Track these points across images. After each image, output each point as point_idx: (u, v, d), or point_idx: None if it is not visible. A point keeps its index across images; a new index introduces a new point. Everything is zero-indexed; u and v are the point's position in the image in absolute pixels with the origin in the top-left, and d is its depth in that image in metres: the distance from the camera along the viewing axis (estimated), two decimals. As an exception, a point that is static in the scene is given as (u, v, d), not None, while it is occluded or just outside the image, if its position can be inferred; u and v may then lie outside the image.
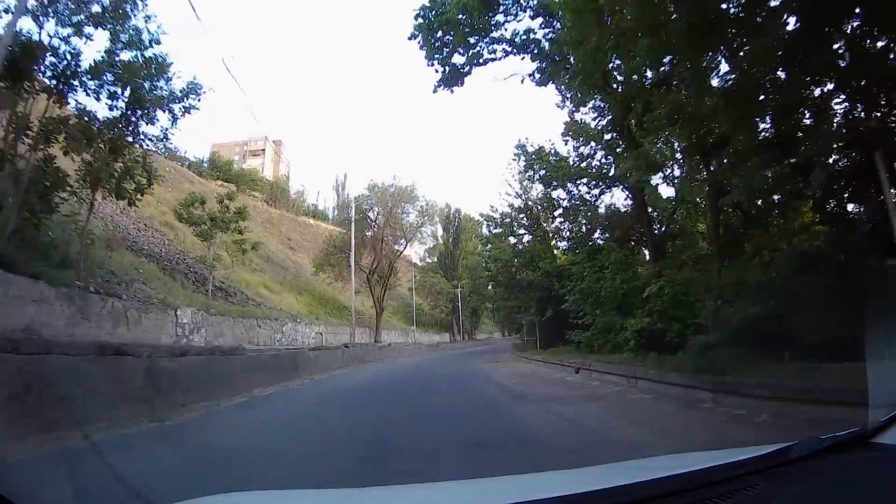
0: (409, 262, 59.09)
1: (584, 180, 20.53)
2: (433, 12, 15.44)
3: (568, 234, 24.63)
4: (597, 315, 16.36)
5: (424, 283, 59.16)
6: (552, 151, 20.49)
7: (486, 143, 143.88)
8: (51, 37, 13.02)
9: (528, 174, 23.74)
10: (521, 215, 26.21)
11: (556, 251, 26.29)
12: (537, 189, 26.26)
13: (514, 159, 22.95)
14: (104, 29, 13.94)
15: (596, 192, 20.93)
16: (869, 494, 1.60)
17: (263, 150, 78.37)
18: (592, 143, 19.85)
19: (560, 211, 24.36)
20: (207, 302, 23.05)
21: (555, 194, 23.86)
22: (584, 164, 19.62)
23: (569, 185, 21.51)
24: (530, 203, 25.53)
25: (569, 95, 19.05)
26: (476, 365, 21.83)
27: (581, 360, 14.63)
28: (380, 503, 2.21)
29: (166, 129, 15.92)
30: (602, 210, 22.05)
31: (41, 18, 12.75)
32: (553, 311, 22.44)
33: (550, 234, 25.58)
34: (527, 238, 25.92)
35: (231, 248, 26.77)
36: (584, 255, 21.15)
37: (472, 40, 15.88)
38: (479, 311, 70.72)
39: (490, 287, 34.31)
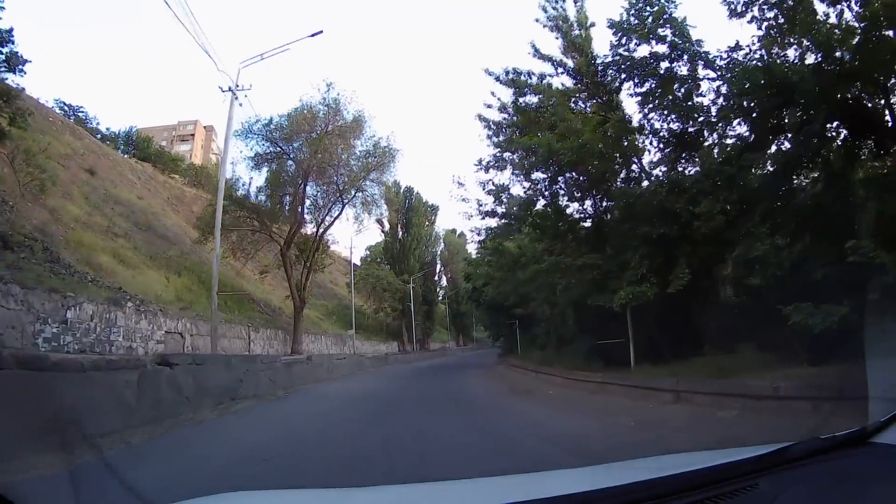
0: (346, 259, 45.19)
1: None
2: None
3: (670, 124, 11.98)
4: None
5: (367, 277, 45.66)
6: None
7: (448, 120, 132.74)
8: None
9: None
10: (570, 89, 13.17)
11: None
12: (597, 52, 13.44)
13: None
14: None
15: None
16: (869, 494, 1.56)
17: (193, 134, 72.05)
18: None
19: (652, 84, 11.65)
20: None
21: (642, 51, 11.26)
22: None
23: None
24: (595, 65, 12.57)
25: None
26: (546, 426, 8.00)
27: None
28: (381, 502, 2.13)
29: None
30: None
31: None
32: (692, 272, 9.45)
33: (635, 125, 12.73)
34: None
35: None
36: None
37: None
38: (433, 314, 57.54)
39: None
